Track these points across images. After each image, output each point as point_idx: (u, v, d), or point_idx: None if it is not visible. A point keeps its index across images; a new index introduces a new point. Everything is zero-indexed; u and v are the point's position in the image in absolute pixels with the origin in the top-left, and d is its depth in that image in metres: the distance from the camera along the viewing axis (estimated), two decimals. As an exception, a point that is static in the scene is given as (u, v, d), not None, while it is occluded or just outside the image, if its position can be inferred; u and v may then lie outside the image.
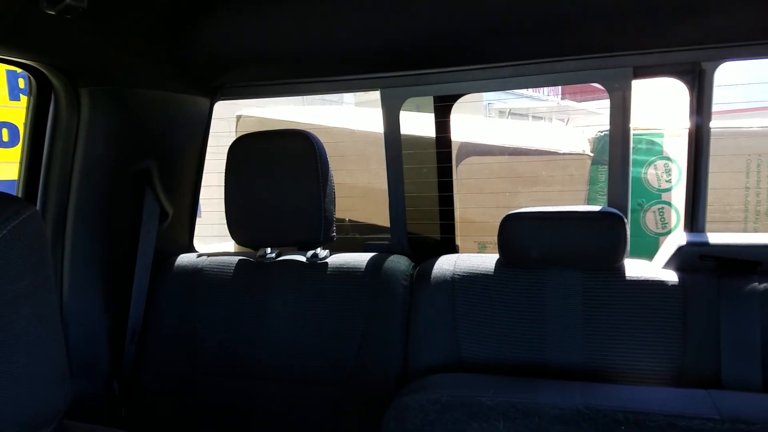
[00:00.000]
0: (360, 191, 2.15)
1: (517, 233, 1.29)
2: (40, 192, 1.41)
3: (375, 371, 1.34)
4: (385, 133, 1.56)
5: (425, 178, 1.81)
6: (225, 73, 1.53)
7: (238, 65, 1.49)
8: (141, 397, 1.48)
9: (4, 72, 3.78)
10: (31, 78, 1.33)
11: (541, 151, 2.02)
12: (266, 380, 1.40)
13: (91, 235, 1.44)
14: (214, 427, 1.43)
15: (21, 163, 1.39)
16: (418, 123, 1.90)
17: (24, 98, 3.89)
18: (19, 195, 1.43)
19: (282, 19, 1.34)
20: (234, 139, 1.45)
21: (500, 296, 1.32)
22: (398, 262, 1.43)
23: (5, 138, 3.90)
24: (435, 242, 1.86)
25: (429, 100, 1.68)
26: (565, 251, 1.27)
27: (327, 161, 1.40)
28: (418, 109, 1.91)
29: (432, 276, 1.38)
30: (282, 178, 1.39)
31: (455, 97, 1.63)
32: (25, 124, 1.39)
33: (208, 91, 1.61)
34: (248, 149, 1.43)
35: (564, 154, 1.99)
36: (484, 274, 1.34)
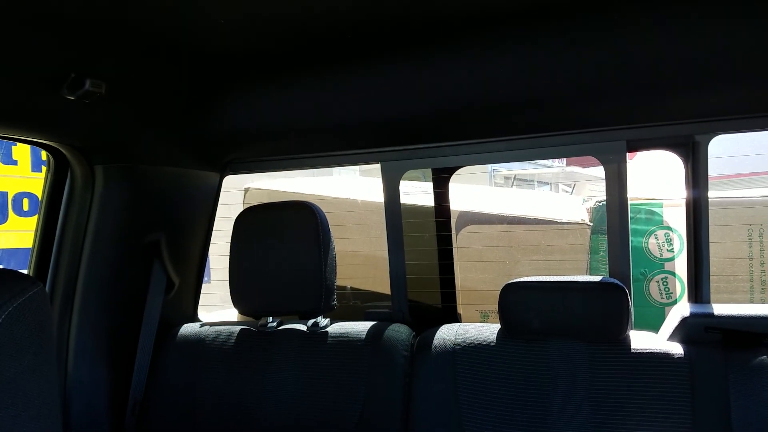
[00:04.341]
0: (362, 259, 2.18)
1: (518, 303, 1.30)
2: (52, 264, 1.45)
3: None
4: (386, 203, 1.61)
5: (426, 247, 1.83)
6: (234, 149, 1.60)
7: (246, 142, 1.56)
8: None
9: (29, 146, 3.94)
10: (50, 156, 1.40)
11: (540, 219, 2.05)
12: None
13: (99, 307, 1.46)
14: None
15: (35, 234, 1.44)
16: (419, 192, 1.94)
17: (45, 170, 4.03)
18: (32, 266, 1.47)
19: (288, 98, 1.42)
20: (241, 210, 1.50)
21: (503, 368, 1.30)
22: (399, 331, 1.43)
23: (26, 207, 4.02)
24: (436, 310, 1.85)
25: (429, 171, 1.73)
26: (567, 322, 1.26)
27: (329, 231, 1.43)
28: (422, 176, 1.95)
29: (433, 346, 1.37)
30: (285, 248, 1.42)
31: (453, 169, 1.68)
32: (42, 198, 1.45)
33: (217, 167, 1.68)
34: (253, 220, 1.47)
35: (563, 223, 2.02)
36: (485, 345, 1.33)
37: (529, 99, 1.28)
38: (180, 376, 1.48)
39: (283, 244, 1.42)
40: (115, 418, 1.50)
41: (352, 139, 1.51)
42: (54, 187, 1.43)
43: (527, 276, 1.34)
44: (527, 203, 2.26)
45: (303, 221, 1.42)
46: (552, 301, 1.27)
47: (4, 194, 3.93)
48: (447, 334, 1.39)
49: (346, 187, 2.43)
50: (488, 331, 1.37)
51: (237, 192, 2.36)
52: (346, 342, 1.41)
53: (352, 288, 2.20)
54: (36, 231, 1.44)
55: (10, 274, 0.62)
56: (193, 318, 1.75)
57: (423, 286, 1.84)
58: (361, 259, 2.18)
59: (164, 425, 1.46)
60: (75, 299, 1.44)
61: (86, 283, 1.44)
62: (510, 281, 1.33)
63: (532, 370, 1.28)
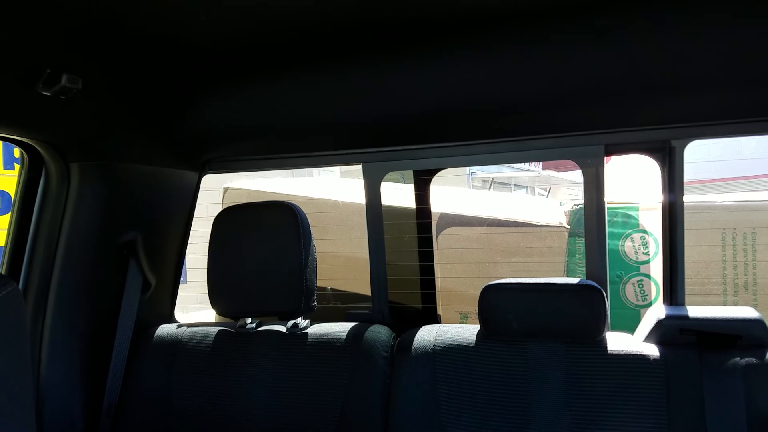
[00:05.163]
0: (342, 260, 2.18)
1: (497, 304, 1.31)
2: (25, 262, 1.41)
3: None
4: (367, 204, 1.60)
5: (406, 248, 1.84)
6: (212, 148, 1.58)
7: (225, 141, 1.54)
8: None
9: (0, 142, 3.85)
10: (23, 153, 1.37)
11: (519, 222, 2.07)
12: None
13: (73, 307, 1.43)
14: None
15: (8, 233, 1.41)
16: (400, 193, 1.94)
17: (18, 167, 3.94)
18: (5, 265, 1.43)
19: (266, 98, 1.41)
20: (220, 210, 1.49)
21: (482, 368, 1.31)
22: (379, 332, 1.43)
23: (-2, 205, 3.92)
24: (416, 312, 1.86)
25: (410, 173, 1.73)
26: (545, 323, 1.28)
27: (309, 231, 1.42)
28: (403, 178, 1.96)
29: (413, 347, 1.37)
30: (264, 248, 1.41)
31: (434, 171, 1.69)
32: (15, 196, 1.41)
33: (195, 166, 1.66)
34: (232, 220, 1.46)
35: (541, 225, 2.04)
36: (465, 346, 1.34)
37: (509, 103, 1.29)
38: (156, 378, 1.46)
39: (263, 245, 1.41)
40: (89, 421, 1.47)
41: (333, 140, 1.51)
42: (28, 185, 1.40)
43: (506, 278, 1.36)
44: (506, 206, 2.28)
45: (283, 221, 1.41)
46: (530, 303, 1.28)
47: (-25, 192, 3.82)
48: (427, 335, 1.39)
49: (327, 188, 2.42)
50: (468, 332, 1.38)
51: (216, 191, 2.34)
52: (326, 343, 1.40)
53: (332, 289, 2.20)
54: (9, 229, 1.40)
55: None
56: (170, 319, 1.72)
57: (403, 288, 1.85)
58: (342, 260, 2.17)
59: (140, 428, 1.44)
60: (49, 299, 1.40)
61: (60, 283, 1.41)
62: (489, 283, 1.34)
63: (511, 371, 1.29)
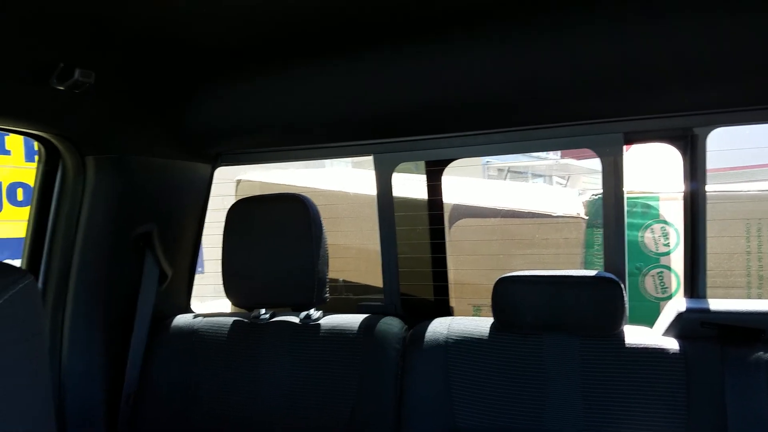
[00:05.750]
0: (354, 252, 2.17)
1: (512, 297, 1.29)
2: (45, 255, 1.44)
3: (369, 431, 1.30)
4: (378, 196, 1.60)
5: (418, 240, 1.82)
6: (224, 141, 1.59)
7: (237, 134, 1.54)
8: None
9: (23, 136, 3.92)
10: (41, 146, 1.39)
11: (534, 213, 2.04)
12: None
13: (92, 298, 1.46)
14: None
15: (28, 225, 1.43)
16: (411, 185, 1.93)
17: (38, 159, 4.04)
18: (25, 257, 1.46)
19: (278, 89, 1.40)
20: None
21: (495, 361, 1.30)
22: (391, 324, 1.43)
23: (20, 197, 4.02)
24: (429, 304, 1.85)
25: (422, 164, 1.71)
26: (561, 316, 1.25)
27: (321, 223, 1.42)
28: (416, 167, 1.94)
29: (425, 339, 1.36)
30: (277, 240, 1.42)
31: (447, 161, 1.67)
32: (34, 189, 1.43)
33: (208, 158, 1.67)
34: (245, 213, 1.46)
35: (558, 216, 2.01)
36: (478, 339, 1.33)
37: (525, 91, 1.26)
38: (173, 367, 1.48)
39: (276, 237, 1.42)
40: (109, 410, 1.50)
41: (345, 131, 1.50)
42: (45, 178, 1.42)
43: (521, 270, 1.34)
44: (521, 196, 2.25)
45: (295, 214, 1.41)
46: (546, 295, 1.26)
47: (-1, 184, 3.91)
48: (439, 327, 1.38)
49: (339, 180, 2.42)
50: (481, 324, 1.37)
51: (230, 183, 2.35)
52: (338, 334, 1.41)
53: (344, 281, 2.19)
54: (29, 222, 1.43)
55: (3, 266, 0.62)
56: (186, 309, 1.74)
57: (415, 280, 1.84)
58: (354, 252, 2.17)
59: (158, 415, 1.46)
60: (68, 291, 1.43)
61: (79, 275, 1.43)
62: (504, 275, 1.33)
63: (526, 364, 1.27)
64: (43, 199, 1.44)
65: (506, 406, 1.26)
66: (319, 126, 1.47)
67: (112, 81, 1.23)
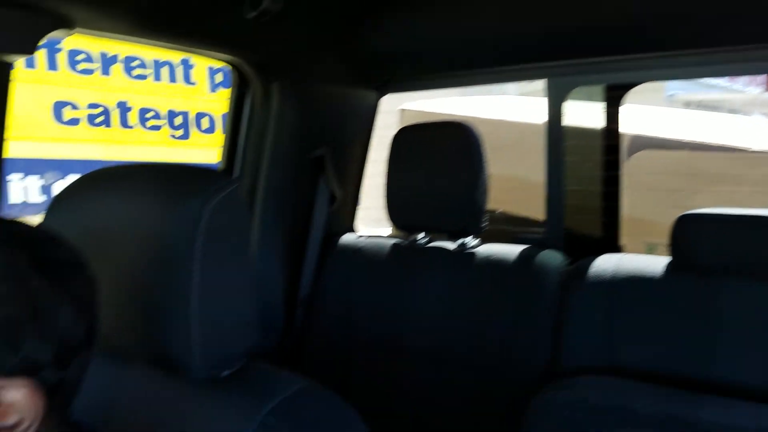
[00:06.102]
0: (515, 183, 2.12)
1: (695, 235, 1.18)
2: (236, 173, 1.62)
3: (519, 365, 1.32)
4: (548, 123, 1.52)
5: (588, 172, 1.72)
6: (393, 68, 1.62)
7: (406, 60, 1.56)
8: (306, 359, 1.65)
9: (206, 69, 4.37)
10: (234, 73, 1.54)
11: (727, 147, 1.80)
12: (411, 360, 1.46)
13: (275, 214, 1.62)
14: (363, 399, 1.53)
15: (224, 147, 1.61)
16: (583, 113, 1.80)
17: (220, 92, 4.48)
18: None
19: (447, 11, 1.38)
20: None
21: (667, 302, 1.21)
22: (551, 257, 1.39)
23: (205, 126, 4.52)
24: (594, 240, 1.76)
25: (598, 89, 1.59)
26: (751, 260, 1.12)
27: (483, 152, 1.41)
28: (586, 97, 1.81)
29: (589, 274, 1.31)
30: (439, 166, 1.44)
31: (628, 87, 1.52)
32: (228, 114, 1.61)
33: (376, 86, 1.72)
34: (409, 139, 1.50)
35: (756, 152, 1.75)
36: (650, 278, 1.25)
37: (727, 2, 1.09)
38: (339, 280, 1.62)
39: (438, 163, 1.44)
40: (288, 309, 1.69)
41: (516, 54, 1.44)
42: (237, 103, 1.58)
43: (707, 208, 1.21)
44: (711, 128, 1.99)
45: (458, 141, 1.41)
46: (736, 236, 1.13)
47: (186, 114, 4.43)
48: (607, 263, 1.32)
49: (503, 109, 2.35)
50: (655, 263, 1.27)
51: (392, 114, 2.41)
52: (494, 263, 1.41)
53: (503, 212, 2.17)
54: (224, 143, 1.61)
55: (214, 172, 0.72)
56: (351, 230, 1.87)
57: (582, 213, 1.75)
58: (516, 183, 2.12)
59: (325, 318, 1.62)
60: (255, 205, 1.61)
61: (265, 193, 1.59)
62: (687, 212, 1.21)
63: (701, 309, 1.17)
64: (234, 122, 1.60)
65: (674, 349, 1.18)
66: (490, 48, 1.43)
67: (297, 8, 1.30)
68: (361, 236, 1.69)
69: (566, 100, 1.48)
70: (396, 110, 2.33)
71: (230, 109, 1.59)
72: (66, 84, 3.79)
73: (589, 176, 1.73)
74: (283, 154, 1.59)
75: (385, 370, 1.50)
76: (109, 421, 0.73)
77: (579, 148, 1.73)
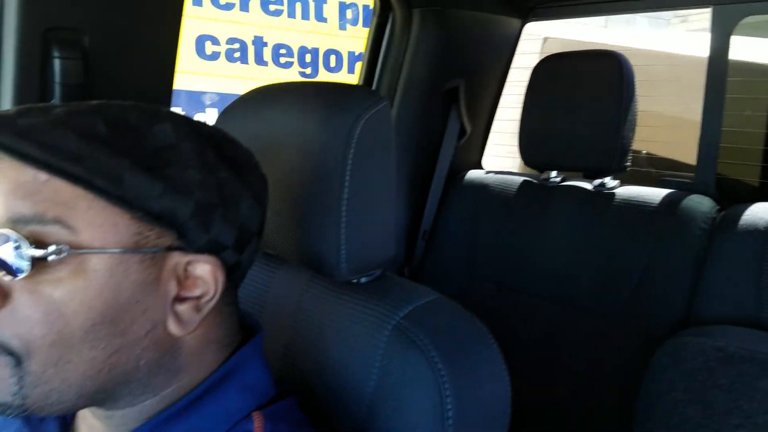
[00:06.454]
0: (666, 122, 1.95)
1: None
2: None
3: (652, 311, 1.27)
4: (711, 57, 1.38)
5: (752, 112, 1.54)
6: None
7: None
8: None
9: (338, 4, 4.41)
10: (376, 0, 1.55)
11: None
12: (534, 299, 1.44)
13: (404, 145, 1.65)
14: None
15: (360, 76, 1.65)
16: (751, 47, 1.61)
17: (349, 28, 4.51)
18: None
19: None
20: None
21: None
22: (699, 202, 1.30)
23: (332, 64, 4.59)
24: (751, 187, 1.60)
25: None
26: None
27: (633, 86, 1.32)
28: (754, 32, 1.61)
29: (742, 222, 1.21)
30: (582, 99, 1.37)
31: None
32: (366, 40, 1.64)
33: (520, 12, 1.65)
34: (552, 69, 1.44)
35: None
36: None
37: None
38: (463, 216, 1.62)
39: (581, 96, 1.37)
40: (409, 240, 1.75)
41: None
42: (377, 31, 1.60)
43: None
44: None
45: (606, 72, 1.33)
46: None
47: (316, 50, 4.51)
48: (761, 212, 1.20)
49: (655, 40, 2.15)
50: None
51: (532, 41, 2.30)
52: (634, 207, 1.33)
53: (648, 153, 2.03)
54: (361, 72, 1.65)
55: (368, 90, 0.75)
56: (478, 165, 1.86)
57: (738, 158, 1.59)
58: (666, 122, 1.96)
59: (445, 253, 1.65)
60: None
61: (396, 124, 1.62)
62: None
63: None
64: (373, 51, 1.63)
65: None
66: None
67: None
68: (489, 172, 1.68)
69: (733, 31, 1.33)
70: (539, 38, 2.22)
71: (370, 37, 1.62)
72: (209, 18, 4.00)
73: (751, 117, 1.56)
74: (417, 84, 1.59)
75: (504, 311, 1.49)
76: (260, 311, 0.81)
77: (744, 86, 1.56)
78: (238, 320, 0.62)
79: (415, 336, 0.65)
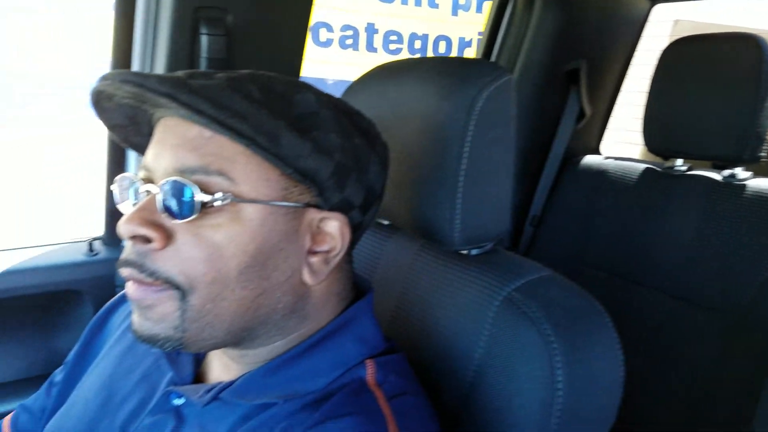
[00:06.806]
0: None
1: None
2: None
3: None
4: None
5: None
6: None
7: None
8: None
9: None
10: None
11: None
12: (649, 291, 1.38)
13: (519, 126, 1.62)
14: None
15: (479, 54, 1.64)
16: None
17: (461, 14, 4.48)
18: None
19: None
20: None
21: None
22: None
23: (441, 50, 4.57)
24: None
25: None
26: None
27: None
28: None
29: None
30: (715, 84, 1.29)
31: None
32: (486, 21, 1.63)
33: None
34: (683, 53, 1.37)
35: None
36: None
37: None
38: (577, 201, 1.58)
39: (713, 80, 1.29)
40: (515, 226, 1.72)
41: None
42: (498, 11, 1.59)
43: None
44: None
45: (743, 56, 1.24)
46: None
47: (425, 37, 4.51)
48: None
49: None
50: None
51: (662, 24, 2.17)
52: (767, 200, 1.23)
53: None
54: (480, 51, 1.64)
55: (491, 64, 0.75)
56: (596, 150, 1.79)
57: None
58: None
59: (556, 239, 1.62)
60: None
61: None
62: None
63: None
64: (493, 31, 1.62)
65: None
66: None
67: None
68: (608, 158, 1.61)
69: None
70: (669, 20, 2.09)
71: (490, 17, 1.61)
72: (324, 5, 4.14)
73: None
74: (536, 64, 1.57)
75: (614, 300, 1.43)
76: (371, 273, 0.86)
77: None
78: (353, 279, 0.67)
79: (527, 308, 0.66)
